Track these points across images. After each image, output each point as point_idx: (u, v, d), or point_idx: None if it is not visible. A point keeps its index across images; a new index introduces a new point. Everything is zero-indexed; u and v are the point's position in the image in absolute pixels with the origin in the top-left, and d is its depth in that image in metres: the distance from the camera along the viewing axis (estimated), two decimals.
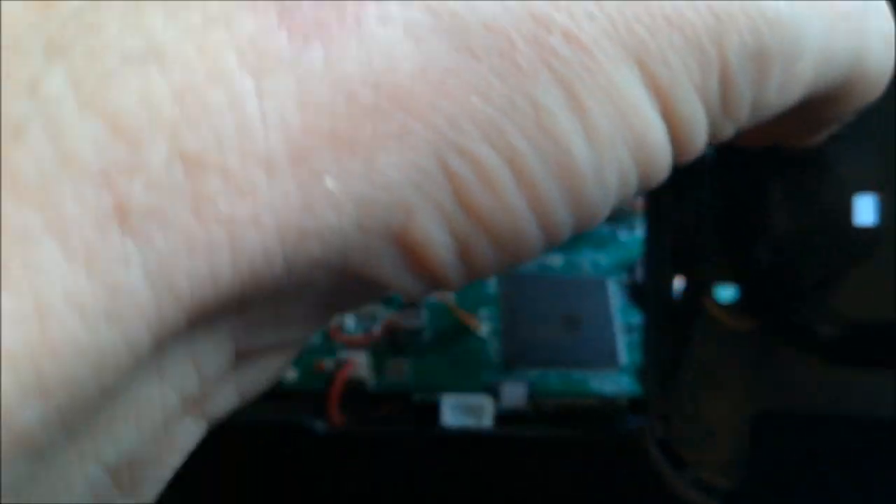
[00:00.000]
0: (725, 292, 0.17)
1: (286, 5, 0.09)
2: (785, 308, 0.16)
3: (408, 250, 0.10)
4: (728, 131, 0.11)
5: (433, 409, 0.24)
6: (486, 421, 0.24)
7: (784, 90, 0.11)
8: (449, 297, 0.27)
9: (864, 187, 0.15)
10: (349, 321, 0.27)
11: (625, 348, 0.26)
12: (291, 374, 0.26)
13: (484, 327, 0.27)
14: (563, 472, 0.25)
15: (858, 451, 0.16)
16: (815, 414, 0.16)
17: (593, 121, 0.09)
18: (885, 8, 0.12)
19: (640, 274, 0.26)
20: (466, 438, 0.24)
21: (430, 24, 0.09)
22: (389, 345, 0.26)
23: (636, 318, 0.26)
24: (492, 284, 0.28)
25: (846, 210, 0.15)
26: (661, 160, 0.10)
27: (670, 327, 0.17)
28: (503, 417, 0.24)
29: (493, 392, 0.25)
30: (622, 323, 0.26)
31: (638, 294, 0.23)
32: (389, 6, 0.09)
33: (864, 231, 0.15)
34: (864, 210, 0.15)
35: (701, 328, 0.17)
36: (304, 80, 0.09)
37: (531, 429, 0.25)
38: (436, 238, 0.10)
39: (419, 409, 0.25)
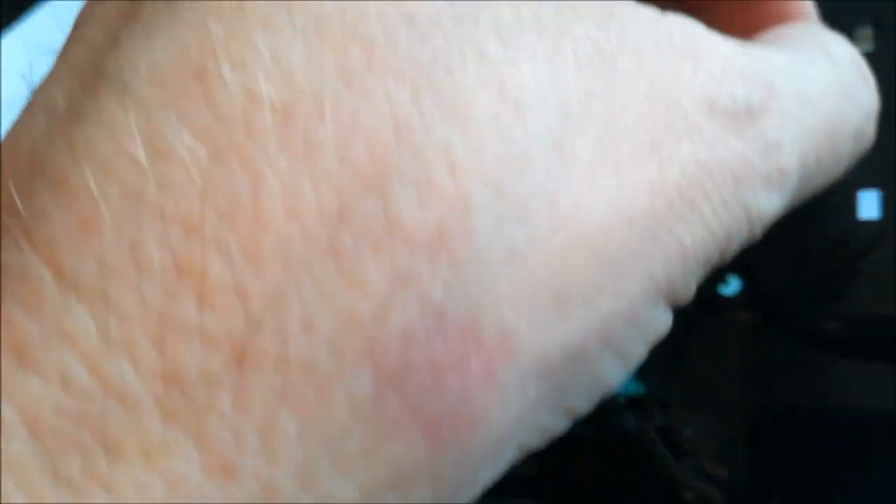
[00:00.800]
0: (729, 285, 0.17)
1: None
2: (788, 302, 0.16)
3: None
4: None
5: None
6: None
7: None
8: None
9: (867, 183, 0.15)
10: None
11: None
12: None
13: None
14: (561, 470, 0.25)
15: (859, 443, 0.16)
16: (816, 406, 0.16)
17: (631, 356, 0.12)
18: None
19: None
20: None
21: None
22: None
23: None
24: None
25: (851, 204, 0.16)
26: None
27: (674, 325, 0.18)
28: None
29: None
30: None
31: None
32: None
33: (868, 225, 0.16)
34: (868, 205, 0.16)
35: (704, 320, 0.17)
36: None
37: None
38: None
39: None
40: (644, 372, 0.18)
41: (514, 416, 0.10)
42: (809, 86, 0.14)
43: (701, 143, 0.12)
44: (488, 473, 0.11)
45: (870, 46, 0.16)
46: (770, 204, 0.13)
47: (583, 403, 0.12)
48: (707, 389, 0.17)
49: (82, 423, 0.08)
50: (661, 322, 0.12)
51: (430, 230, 0.09)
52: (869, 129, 0.15)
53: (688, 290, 0.12)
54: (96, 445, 0.08)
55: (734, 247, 0.13)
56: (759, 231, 0.13)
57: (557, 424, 0.12)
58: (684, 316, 0.17)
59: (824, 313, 0.16)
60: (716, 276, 0.17)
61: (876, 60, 0.15)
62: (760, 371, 0.17)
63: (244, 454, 0.09)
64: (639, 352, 0.12)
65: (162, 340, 0.09)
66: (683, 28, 0.12)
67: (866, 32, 0.17)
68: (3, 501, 0.08)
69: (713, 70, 0.12)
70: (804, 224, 0.16)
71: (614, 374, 0.12)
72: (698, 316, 0.17)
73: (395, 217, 0.09)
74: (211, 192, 0.09)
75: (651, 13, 0.12)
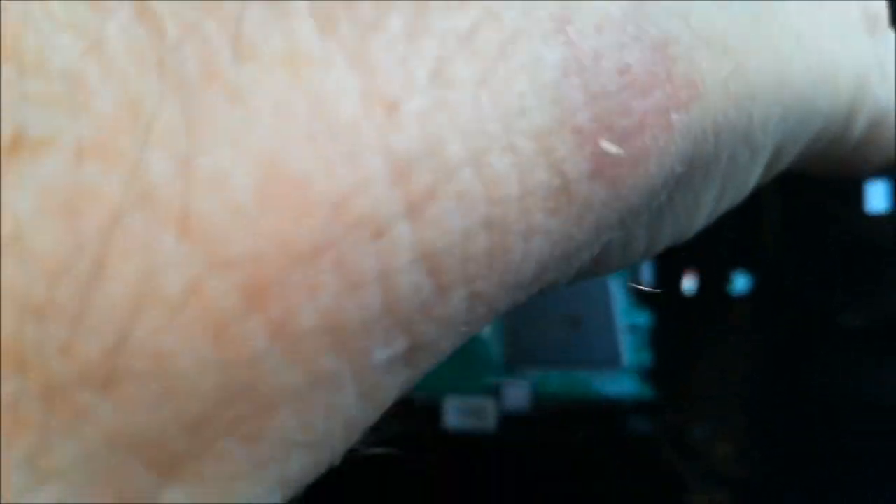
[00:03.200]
0: (740, 283, 0.17)
1: None
2: (802, 298, 0.16)
3: None
4: None
5: (435, 411, 0.24)
6: (489, 422, 0.24)
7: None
8: None
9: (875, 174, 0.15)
10: None
11: (628, 349, 0.26)
12: None
13: (485, 328, 0.27)
14: (567, 474, 0.25)
15: (873, 440, 0.16)
16: (830, 402, 0.16)
17: None
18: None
19: (643, 273, 0.25)
20: (469, 440, 0.23)
21: None
22: None
23: (639, 318, 0.26)
24: None
25: (858, 196, 0.15)
26: None
27: (683, 321, 0.17)
28: (505, 419, 0.24)
29: (496, 393, 0.25)
30: (625, 323, 0.26)
31: (642, 293, 0.23)
32: None
33: (876, 218, 0.15)
34: (876, 197, 0.15)
35: (715, 320, 0.17)
36: None
37: (534, 430, 0.25)
38: None
39: (421, 412, 0.25)
40: (653, 373, 0.18)
41: (668, 171, 0.10)
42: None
43: (850, 41, 0.13)
44: (627, 222, 0.10)
45: None
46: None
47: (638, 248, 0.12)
48: (718, 389, 0.17)
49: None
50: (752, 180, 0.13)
51: None
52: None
53: None
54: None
55: None
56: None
57: (636, 253, 0.12)
58: (693, 314, 0.17)
59: (845, 307, 0.16)
60: (724, 273, 0.17)
61: None
62: (771, 369, 0.16)
63: (411, 90, 0.07)
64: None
65: None
66: None
67: None
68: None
69: None
70: (815, 218, 0.16)
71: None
72: (707, 315, 0.17)
73: None
74: None
75: None
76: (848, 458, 0.16)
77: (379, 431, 0.26)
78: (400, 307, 0.08)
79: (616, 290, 0.27)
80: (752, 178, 0.12)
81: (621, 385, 0.25)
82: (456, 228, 0.08)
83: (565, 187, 0.08)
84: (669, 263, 0.18)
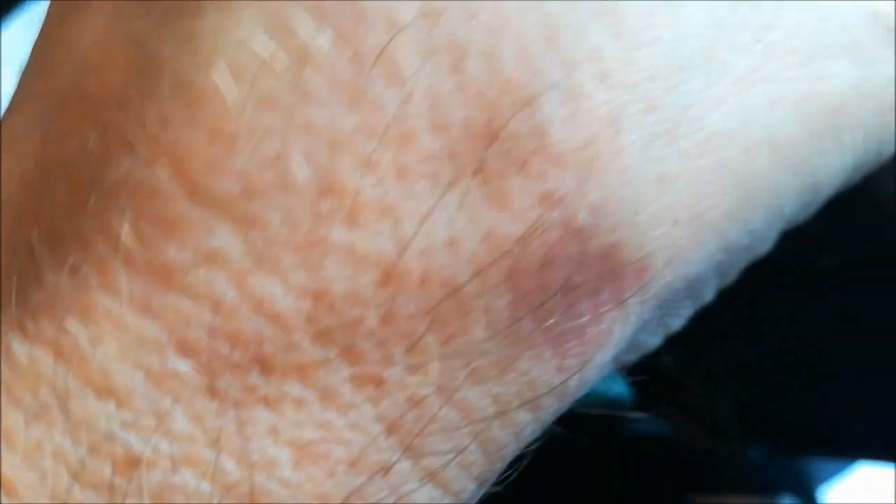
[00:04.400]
0: None
1: None
2: (786, 240, 0.16)
3: None
4: None
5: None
6: None
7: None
8: None
9: None
10: None
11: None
12: None
13: None
14: (566, 475, 0.25)
15: (853, 381, 0.16)
16: (821, 347, 0.16)
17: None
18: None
19: None
20: None
21: None
22: None
23: None
24: None
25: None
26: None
27: None
28: None
29: None
30: None
31: None
32: None
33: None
34: None
35: None
36: None
37: None
38: None
39: None
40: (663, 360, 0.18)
41: (627, 336, 0.10)
42: None
43: (858, 60, 0.11)
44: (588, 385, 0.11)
45: None
46: None
47: (677, 324, 0.12)
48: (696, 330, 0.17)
49: (234, 343, 0.09)
50: (767, 248, 0.12)
51: (579, 148, 0.09)
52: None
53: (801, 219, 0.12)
54: (250, 364, 0.09)
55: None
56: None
57: (653, 342, 0.12)
58: None
59: (820, 251, 0.16)
60: None
61: None
62: (753, 313, 0.16)
63: (390, 367, 0.09)
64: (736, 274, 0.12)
65: (310, 259, 0.09)
66: None
67: None
68: (164, 416, 0.08)
69: None
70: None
71: (711, 295, 0.12)
72: None
73: (544, 133, 0.09)
74: (357, 104, 0.08)
75: None
76: (829, 399, 0.16)
77: None
78: None
79: None
80: (767, 244, 0.12)
81: (621, 386, 0.25)
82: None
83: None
84: None
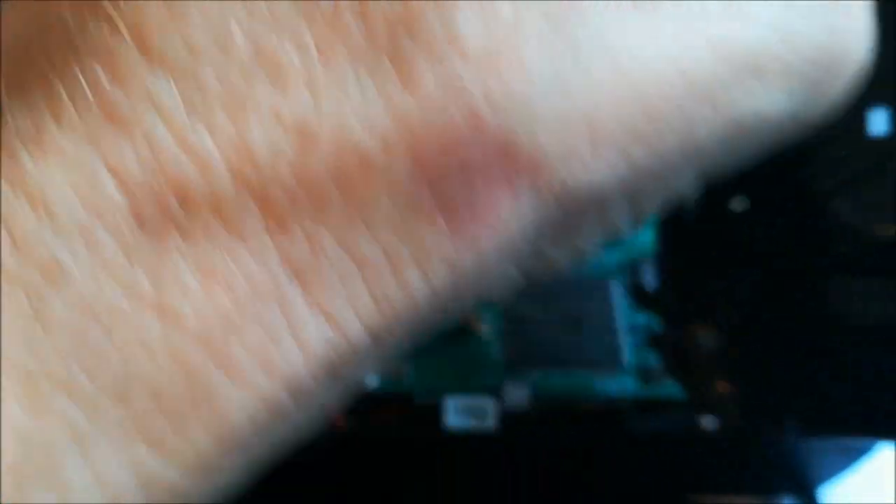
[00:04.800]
0: (739, 203, 0.17)
1: None
2: (794, 218, 0.16)
3: None
4: None
5: (435, 411, 0.24)
6: (489, 422, 0.24)
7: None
8: None
9: (877, 99, 0.15)
10: None
11: (628, 349, 0.26)
12: None
13: (486, 328, 0.27)
14: (567, 474, 0.25)
15: (865, 357, 0.16)
16: (823, 321, 0.16)
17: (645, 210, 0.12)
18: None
19: (643, 274, 0.25)
20: (470, 440, 0.23)
21: None
22: None
23: (639, 318, 0.26)
24: None
25: (860, 121, 0.15)
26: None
27: (686, 242, 0.18)
28: (506, 419, 0.24)
29: (496, 393, 0.25)
30: (625, 323, 0.26)
31: (641, 295, 0.23)
32: None
33: (877, 142, 0.16)
34: (878, 121, 0.16)
35: (712, 238, 0.17)
36: None
37: (534, 430, 0.25)
38: None
39: (421, 411, 0.25)
40: (664, 289, 0.18)
41: (524, 233, 0.11)
42: None
43: (794, 6, 0.12)
44: (492, 283, 0.12)
45: None
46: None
47: (588, 246, 0.13)
48: (714, 303, 0.17)
49: (163, 178, 0.10)
50: (688, 189, 0.13)
51: (484, 47, 0.10)
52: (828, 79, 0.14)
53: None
54: (174, 199, 0.10)
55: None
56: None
57: (561, 261, 0.12)
58: (693, 231, 0.17)
59: (834, 234, 0.16)
60: (723, 195, 0.17)
61: None
62: (762, 289, 0.16)
63: (299, 218, 0.10)
64: (654, 209, 0.13)
65: (238, 115, 0.10)
66: None
67: None
68: (91, 233, 0.10)
69: None
70: (812, 142, 0.16)
71: (624, 223, 0.12)
72: (707, 233, 0.17)
73: (455, 28, 0.10)
74: None
75: None
76: (839, 370, 0.17)
77: (379, 430, 0.26)
78: None
79: (616, 291, 0.27)
80: (684, 180, 0.13)
81: (622, 384, 0.25)
82: None
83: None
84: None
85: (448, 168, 0.10)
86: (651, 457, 0.24)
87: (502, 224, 0.11)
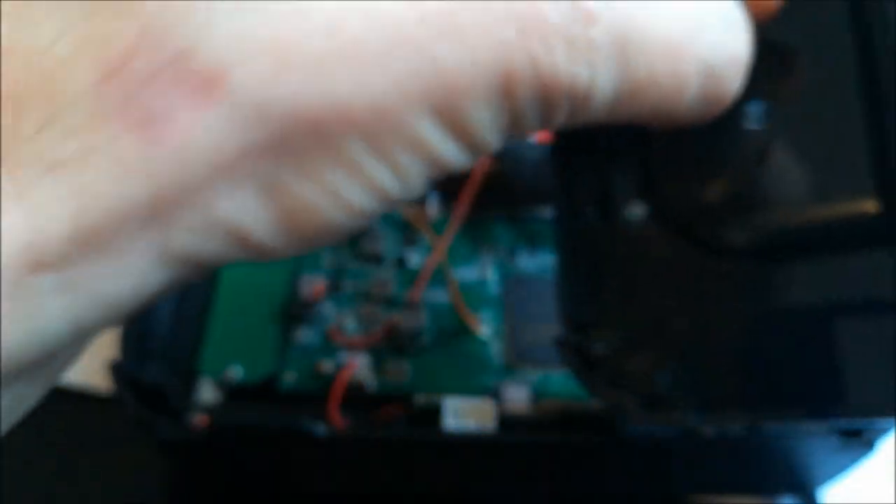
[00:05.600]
0: (637, 209, 0.17)
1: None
2: (695, 219, 0.16)
3: None
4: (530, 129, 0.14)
5: (435, 412, 0.24)
6: (489, 423, 0.24)
7: (579, 118, 0.14)
8: (451, 298, 0.27)
9: (753, 95, 0.16)
10: (349, 323, 0.27)
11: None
12: (291, 377, 0.26)
13: (485, 329, 0.27)
14: (566, 474, 0.25)
15: (777, 343, 0.16)
16: (739, 313, 0.16)
17: (401, 165, 0.13)
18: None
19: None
20: (468, 441, 0.23)
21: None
22: (390, 347, 0.26)
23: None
24: (493, 286, 0.28)
25: (737, 116, 0.16)
26: (456, 166, 0.14)
27: (586, 248, 0.18)
28: (505, 420, 0.24)
29: (495, 394, 0.25)
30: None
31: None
32: None
33: (755, 134, 0.16)
34: (754, 116, 0.16)
35: (615, 246, 0.17)
36: None
37: (533, 431, 0.24)
38: None
39: (421, 412, 0.25)
40: (564, 296, 0.19)
41: (222, 153, 0.12)
42: None
43: None
44: (204, 203, 0.12)
45: None
46: (573, 69, 0.13)
47: (350, 193, 0.13)
48: (625, 311, 0.17)
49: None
50: (443, 149, 0.13)
51: None
52: (728, 77, 0.15)
53: (477, 127, 0.13)
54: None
55: (523, 105, 0.13)
56: (558, 103, 0.13)
57: (301, 197, 0.13)
58: (594, 244, 0.17)
59: (732, 227, 0.16)
60: (620, 202, 0.17)
61: None
62: (677, 288, 0.17)
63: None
64: (410, 168, 0.13)
65: None
66: None
67: None
68: None
69: None
70: (697, 140, 0.16)
71: (370, 164, 0.13)
72: (610, 243, 0.17)
73: None
74: None
75: None
76: (757, 364, 0.17)
77: (379, 430, 0.26)
78: None
79: None
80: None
81: None
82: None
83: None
84: (571, 198, 0.18)
85: (134, 75, 0.11)
86: (650, 457, 0.24)
87: (190, 132, 0.11)
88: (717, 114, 0.15)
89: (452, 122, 0.13)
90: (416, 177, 0.13)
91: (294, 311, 0.27)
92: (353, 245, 0.29)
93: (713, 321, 0.16)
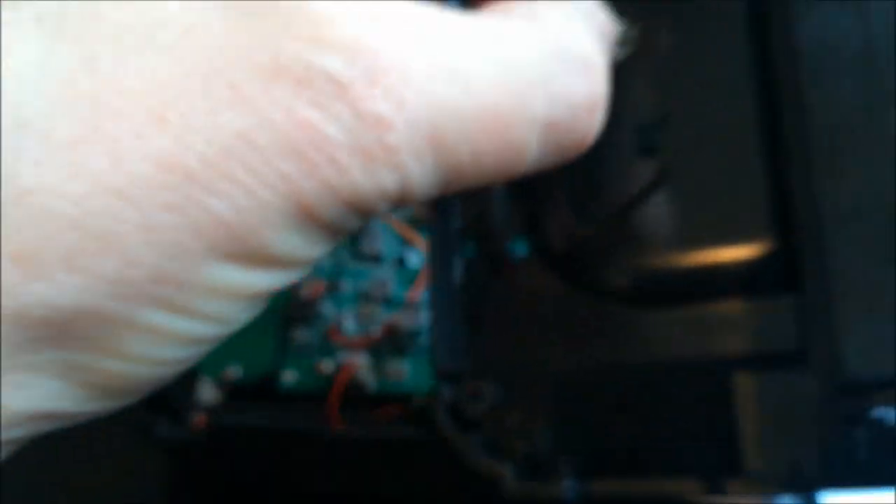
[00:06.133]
0: (518, 248, 0.16)
1: None
2: (574, 259, 0.16)
3: None
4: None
5: (435, 412, 0.24)
6: None
7: (408, 204, 0.13)
8: None
9: (644, 118, 0.15)
10: (348, 323, 0.27)
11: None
12: (290, 377, 0.26)
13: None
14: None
15: (665, 397, 0.15)
16: (615, 362, 0.15)
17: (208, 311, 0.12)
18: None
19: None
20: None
21: None
22: (389, 347, 0.26)
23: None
24: None
25: (621, 147, 0.15)
26: (282, 282, 0.13)
27: (463, 288, 0.17)
28: None
29: None
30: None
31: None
32: None
33: (642, 168, 0.15)
34: (647, 140, 0.15)
35: (496, 286, 0.16)
36: None
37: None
38: None
39: (420, 412, 0.25)
40: (438, 345, 0.17)
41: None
42: (473, 63, 0.13)
43: (248, 113, 0.12)
44: None
45: None
46: (376, 179, 0.12)
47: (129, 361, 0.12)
48: (505, 357, 0.16)
49: None
50: (252, 281, 0.12)
51: None
52: (578, 123, 0.14)
53: (287, 250, 0.12)
54: None
55: (336, 218, 0.12)
56: (375, 206, 0.13)
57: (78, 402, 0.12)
58: (476, 284, 0.17)
59: (611, 267, 0.15)
60: (503, 240, 0.17)
61: None
62: (559, 333, 0.16)
63: None
64: (221, 309, 0.12)
65: None
66: None
67: None
68: None
69: (298, 33, 0.12)
70: (582, 172, 0.16)
71: (171, 323, 0.12)
72: (489, 282, 0.17)
73: None
74: None
75: None
76: (640, 417, 0.16)
77: (379, 430, 0.26)
78: None
79: None
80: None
81: None
82: None
83: None
84: (447, 231, 0.17)
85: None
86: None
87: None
88: (581, 152, 0.14)
89: (252, 257, 0.12)
90: (233, 312, 0.13)
91: (293, 311, 0.27)
92: (353, 245, 0.29)
93: (597, 371, 0.16)
